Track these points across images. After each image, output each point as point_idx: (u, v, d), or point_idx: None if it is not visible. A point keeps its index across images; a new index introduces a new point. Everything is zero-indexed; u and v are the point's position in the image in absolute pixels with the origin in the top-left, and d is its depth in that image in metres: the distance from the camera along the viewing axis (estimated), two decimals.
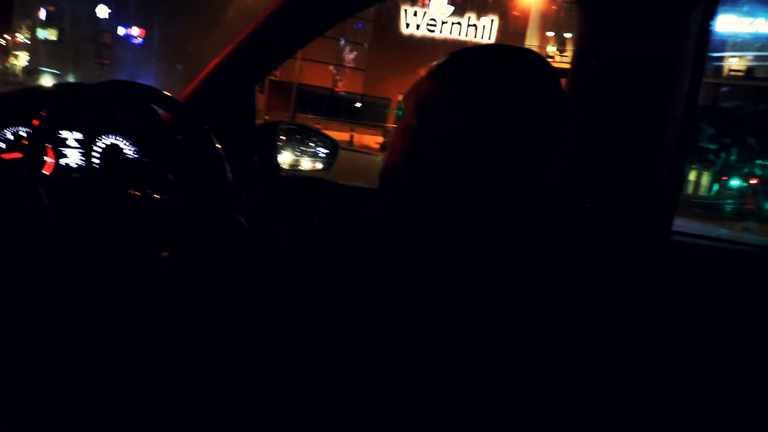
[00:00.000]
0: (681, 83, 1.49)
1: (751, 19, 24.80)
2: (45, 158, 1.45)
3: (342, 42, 31.16)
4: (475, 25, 30.22)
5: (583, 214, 1.56)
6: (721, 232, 14.05)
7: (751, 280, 1.54)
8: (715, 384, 1.52)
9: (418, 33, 30.85)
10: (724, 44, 24.88)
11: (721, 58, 24.87)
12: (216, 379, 0.99)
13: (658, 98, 1.50)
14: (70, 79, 33.29)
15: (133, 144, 1.61)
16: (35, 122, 1.18)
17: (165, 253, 1.25)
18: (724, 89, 21.92)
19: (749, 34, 25.03)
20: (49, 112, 1.19)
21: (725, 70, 25.31)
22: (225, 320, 1.02)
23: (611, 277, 1.52)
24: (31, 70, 41.08)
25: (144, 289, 1.18)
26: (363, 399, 0.92)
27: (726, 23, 24.48)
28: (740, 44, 25.47)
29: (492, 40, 29.97)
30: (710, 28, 1.49)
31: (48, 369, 1.19)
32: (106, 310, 1.16)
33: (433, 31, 30.64)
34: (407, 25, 30.99)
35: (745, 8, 24.19)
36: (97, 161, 1.56)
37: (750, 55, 25.51)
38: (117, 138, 1.59)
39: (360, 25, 30.99)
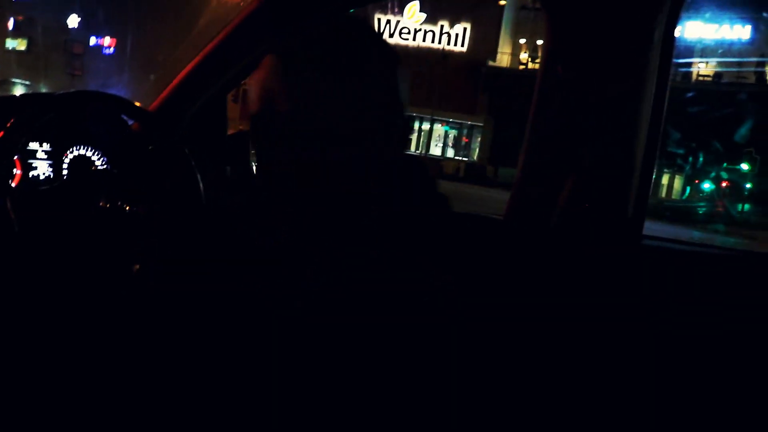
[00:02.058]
0: (647, 88, 1.52)
1: (716, 26, 25.25)
2: (12, 170, 1.44)
3: None
4: (448, 33, 30.34)
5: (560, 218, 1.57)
6: (695, 234, 14.24)
7: (724, 283, 1.56)
8: (689, 387, 1.53)
9: (392, 41, 30.67)
10: (692, 50, 25.28)
11: (689, 64, 25.26)
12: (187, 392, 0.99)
13: (624, 103, 1.52)
14: (42, 89, 32.83)
15: (102, 155, 1.60)
16: (1, 133, 1.16)
17: (136, 266, 1.24)
18: (690, 94, 22.24)
19: (714, 40, 25.47)
20: (15, 123, 1.18)
21: (694, 76, 25.71)
22: (197, 329, 1.01)
23: (582, 283, 1.53)
24: (2, 81, 40.46)
25: (114, 301, 1.17)
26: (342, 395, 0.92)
27: (693, 30, 24.89)
28: (707, 50, 25.90)
29: (465, 48, 30.13)
30: (674, 34, 1.51)
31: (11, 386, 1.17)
32: (75, 324, 1.14)
33: (406, 39, 30.69)
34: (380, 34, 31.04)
35: (707, 15, 24.62)
36: (67, 173, 1.54)
37: (714, 60, 25.96)
38: (87, 149, 1.58)
39: None
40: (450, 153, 32.07)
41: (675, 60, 1.55)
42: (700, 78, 25.70)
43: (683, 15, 1.54)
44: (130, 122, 1.63)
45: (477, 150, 31.03)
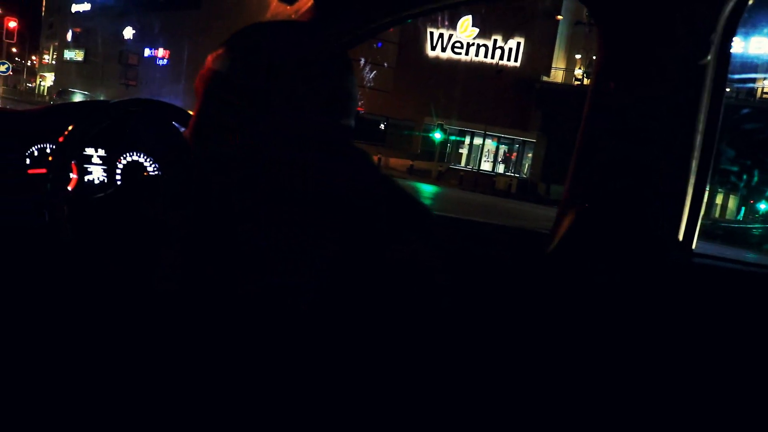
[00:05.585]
0: (700, 105, 1.49)
1: None
2: (69, 174, 1.48)
3: (363, 62, 31.07)
4: (501, 48, 30.13)
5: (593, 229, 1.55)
6: (749, 256, 13.84)
7: None
8: (737, 405, 1.50)
9: (444, 55, 30.79)
10: (754, 66, 24.62)
11: (749, 80, 24.60)
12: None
13: (677, 121, 1.50)
14: (98, 98, 33.80)
15: (154, 161, 1.63)
16: (60, 139, 1.20)
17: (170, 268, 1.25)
18: (745, 111, 21.57)
19: None
20: (74, 129, 1.21)
21: (758, 93, 25.00)
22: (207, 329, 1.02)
23: (629, 299, 1.51)
24: (61, 91, 41.70)
25: (159, 307, 1.19)
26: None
27: (755, 46, 24.26)
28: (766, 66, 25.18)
29: (518, 63, 29.89)
30: (729, 50, 1.48)
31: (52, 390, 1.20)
32: (120, 329, 1.16)
33: (459, 53, 30.56)
34: (433, 48, 30.98)
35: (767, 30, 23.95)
36: (120, 178, 1.58)
37: None
38: (139, 155, 1.62)
39: (380, 44, 30.88)
40: (500, 169, 31.71)
41: (734, 76, 1.52)
42: (764, 96, 24.92)
43: (743, 30, 1.51)
44: (182, 130, 1.66)
45: (528, 166, 30.64)
